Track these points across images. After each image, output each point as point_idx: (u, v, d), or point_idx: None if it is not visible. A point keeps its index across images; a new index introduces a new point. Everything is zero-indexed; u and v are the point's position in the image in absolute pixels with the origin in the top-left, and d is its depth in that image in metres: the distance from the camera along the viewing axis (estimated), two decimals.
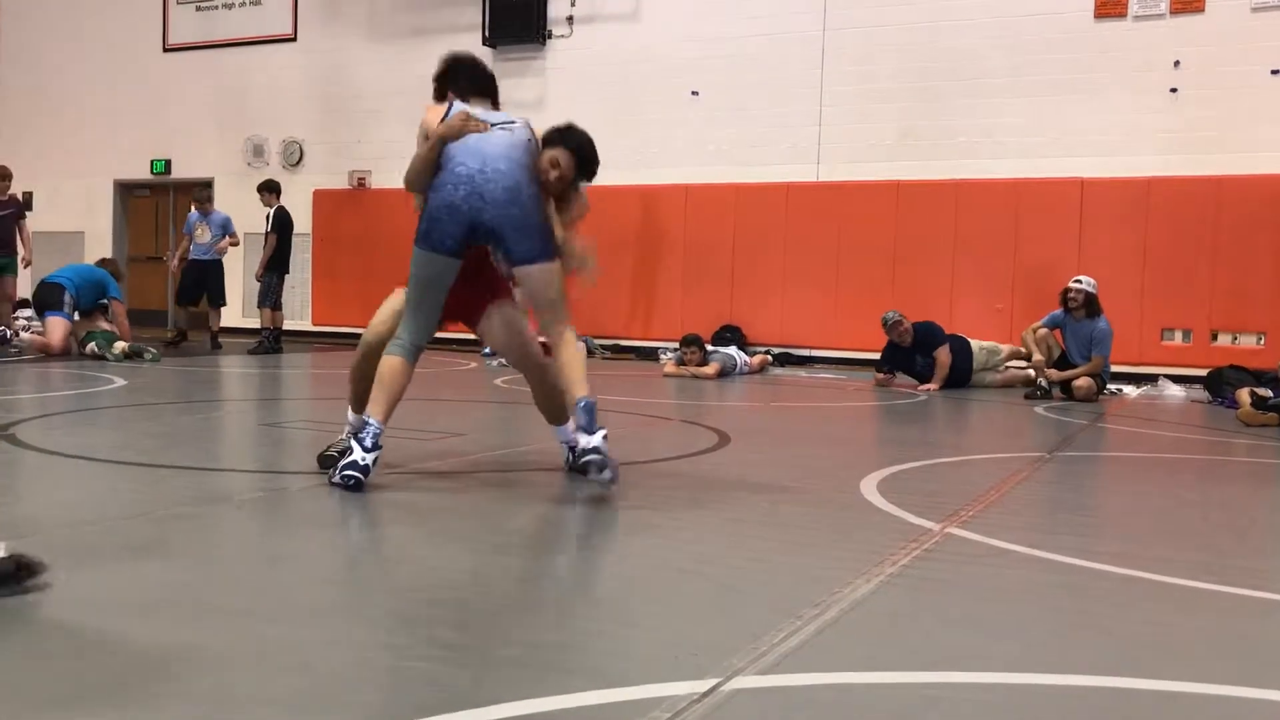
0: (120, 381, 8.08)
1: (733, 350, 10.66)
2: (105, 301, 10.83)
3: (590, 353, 12.97)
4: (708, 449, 5.42)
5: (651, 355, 12.68)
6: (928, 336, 9.75)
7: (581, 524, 3.69)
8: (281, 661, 2.19)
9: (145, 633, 2.34)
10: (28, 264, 12.41)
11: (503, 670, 2.17)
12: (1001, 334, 11.19)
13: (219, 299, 12.64)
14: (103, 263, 11.95)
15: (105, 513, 3.59)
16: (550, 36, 14.25)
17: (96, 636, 2.34)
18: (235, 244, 12.83)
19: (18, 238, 12.34)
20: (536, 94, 14.34)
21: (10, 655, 2.20)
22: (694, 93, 13.44)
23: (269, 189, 12.46)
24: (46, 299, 10.62)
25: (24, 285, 12.48)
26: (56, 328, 10.34)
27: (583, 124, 14.12)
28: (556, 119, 14.62)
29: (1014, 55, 12.04)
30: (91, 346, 10.10)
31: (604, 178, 15.58)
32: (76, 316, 10.61)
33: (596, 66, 13.95)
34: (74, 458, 4.54)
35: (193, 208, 12.86)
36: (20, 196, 12.88)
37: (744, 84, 13.23)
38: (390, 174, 15.04)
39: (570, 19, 14.11)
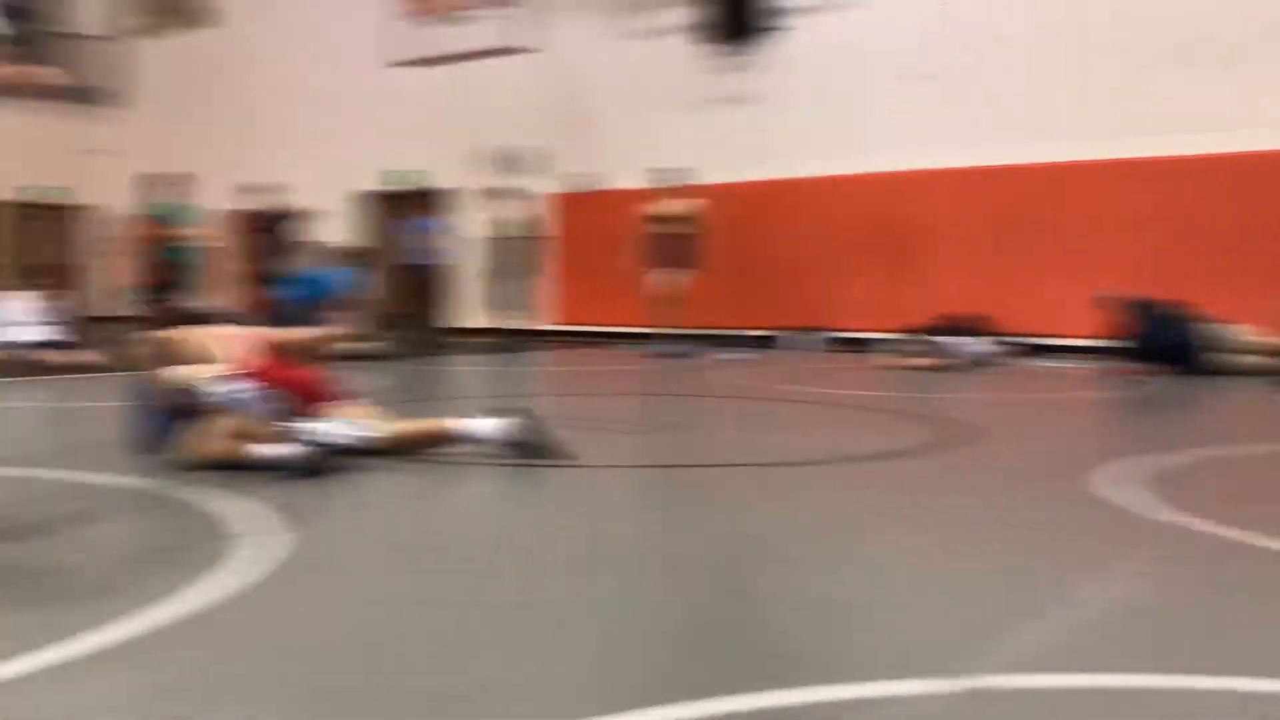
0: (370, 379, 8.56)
1: (961, 341, 10.28)
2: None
3: (805, 349, 12.77)
4: (934, 443, 5.25)
5: (872, 347, 12.37)
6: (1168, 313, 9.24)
7: (808, 521, 3.63)
8: (511, 647, 2.25)
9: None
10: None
11: (732, 661, 2.15)
12: None
13: (438, 301, 13.36)
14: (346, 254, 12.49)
15: (347, 502, 3.79)
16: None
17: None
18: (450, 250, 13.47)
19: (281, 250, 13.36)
20: (760, 87, 14.27)
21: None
22: (925, 77, 13.03)
23: (498, 195, 12.96)
24: (282, 311, 11.49)
25: None
26: (302, 335, 11.14)
27: (803, 116, 13.89)
28: (775, 112, 14.39)
29: None
30: None
31: (829, 168, 15.09)
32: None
33: (819, 56, 13.74)
34: None
35: (412, 215, 13.60)
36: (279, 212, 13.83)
37: (982, 63, 12.71)
38: (624, 174, 15.31)
39: (792, 10, 13.94)
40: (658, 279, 11.61)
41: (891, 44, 13.23)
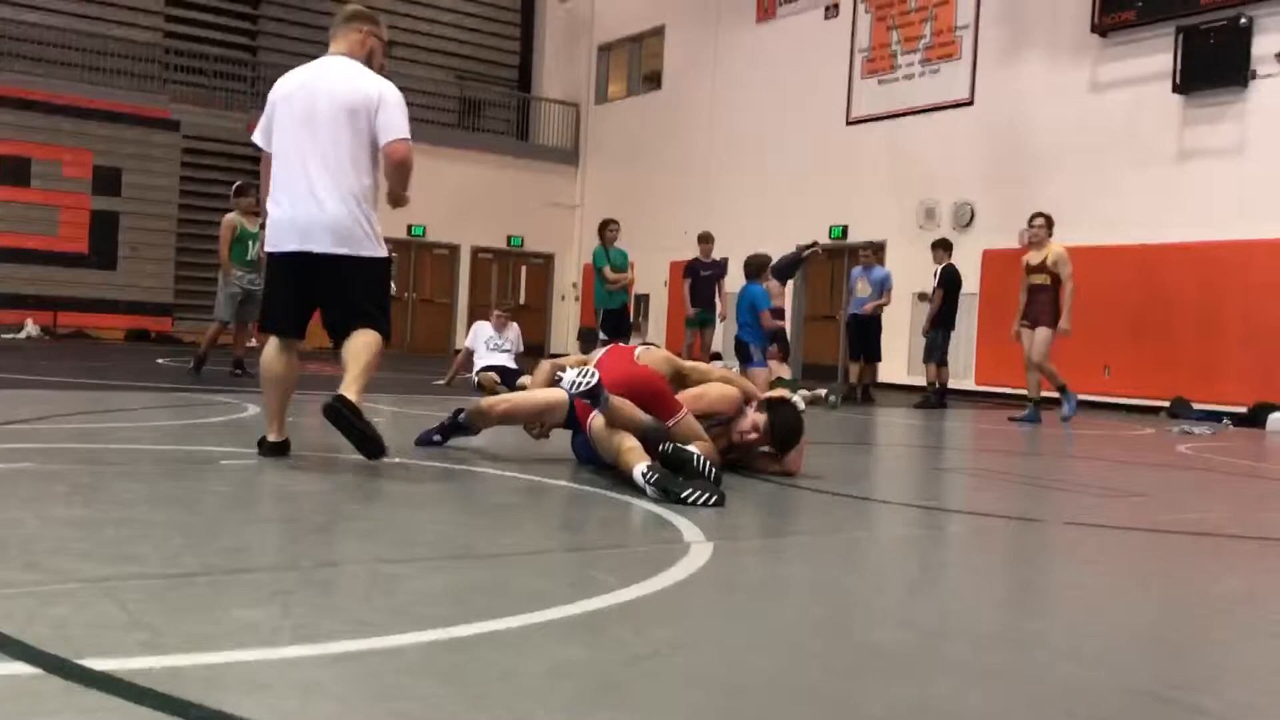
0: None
1: None
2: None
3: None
4: None
5: None
6: None
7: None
8: (917, 677, 2.12)
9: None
10: (723, 319, 13.86)
11: None
12: None
13: (874, 354, 13.05)
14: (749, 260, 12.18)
15: (791, 528, 3.80)
16: (1254, 77, 12.88)
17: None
18: (886, 304, 13.10)
19: (717, 297, 13.86)
20: (1233, 140, 13.04)
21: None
22: None
23: (942, 246, 12.65)
24: (740, 352, 11.79)
25: (718, 339, 13.96)
26: (758, 377, 11.41)
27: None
28: (1258, 167, 13.22)
29: None
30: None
31: None
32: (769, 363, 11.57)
33: None
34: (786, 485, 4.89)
35: (859, 263, 13.45)
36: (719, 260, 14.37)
37: None
38: (1063, 232, 14.51)
39: None
40: (1025, 335, 10.57)
41: None
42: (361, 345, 4.40)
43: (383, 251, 4.52)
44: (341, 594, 2.53)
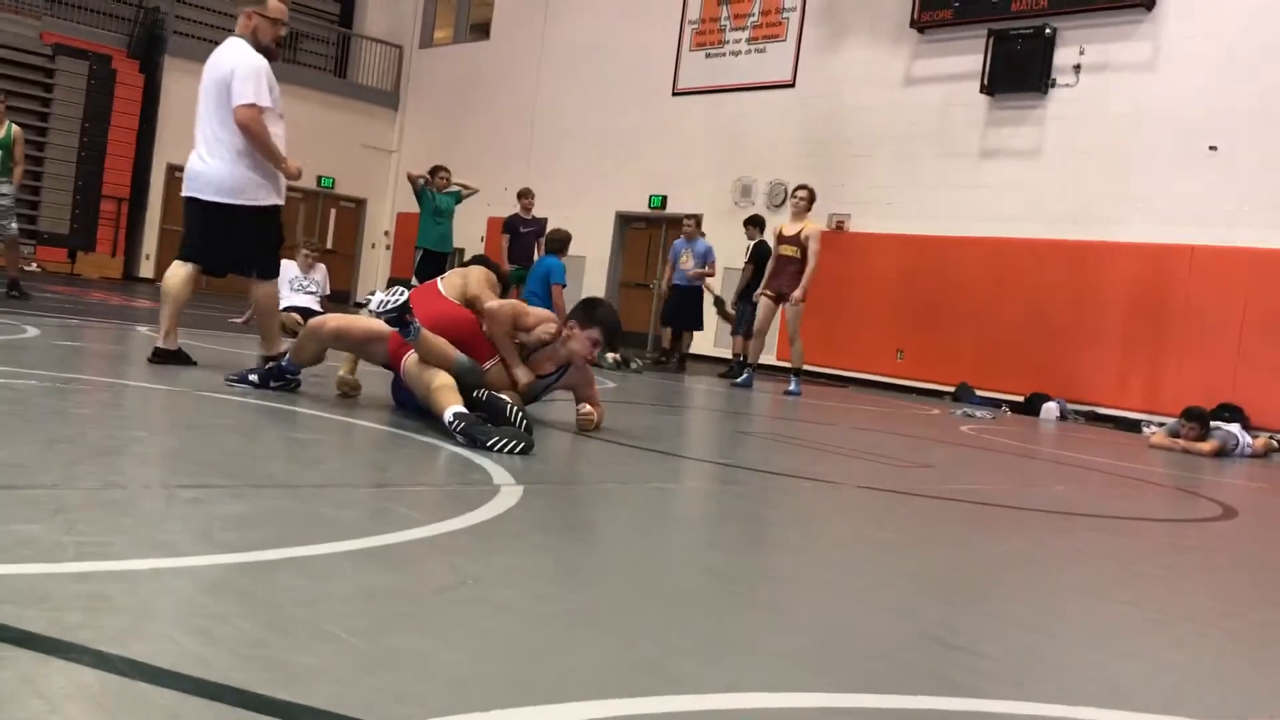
0: (611, 384, 8.73)
1: (1235, 429, 9.53)
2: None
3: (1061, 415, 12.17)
4: (1211, 517, 4.86)
5: (1131, 426, 11.69)
6: None
7: (1026, 560, 3.41)
8: (682, 614, 2.19)
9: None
10: None
11: (931, 664, 2.02)
12: None
13: (696, 323, 13.27)
14: (551, 235, 11.84)
15: (599, 477, 3.83)
16: (1054, 85, 13.67)
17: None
18: (710, 275, 13.32)
19: (535, 254, 13.78)
20: (1032, 143, 13.81)
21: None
22: (1212, 147, 12.30)
23: (754, 223, 12.95)
24: None
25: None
26: None
27: (1082, 175, 13.37)
28: (1053, 168, 13.90)
29: None
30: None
31: (1099, 233, 14.41)
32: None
33: (1101, 117, 13.19)
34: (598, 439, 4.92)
35: (681, 235, 13.61)
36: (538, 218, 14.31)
37: (1265, 138, 11.92)
38: (870, 218, 15.15)
39: (1078, 68, 13.45)
40: (764, 304, 10.71)
41: (1176, 111, 12.56)
42: (267, 305, 5.68)
43: (272, 200, 5.49)
44: (131, 515, 2.40)
